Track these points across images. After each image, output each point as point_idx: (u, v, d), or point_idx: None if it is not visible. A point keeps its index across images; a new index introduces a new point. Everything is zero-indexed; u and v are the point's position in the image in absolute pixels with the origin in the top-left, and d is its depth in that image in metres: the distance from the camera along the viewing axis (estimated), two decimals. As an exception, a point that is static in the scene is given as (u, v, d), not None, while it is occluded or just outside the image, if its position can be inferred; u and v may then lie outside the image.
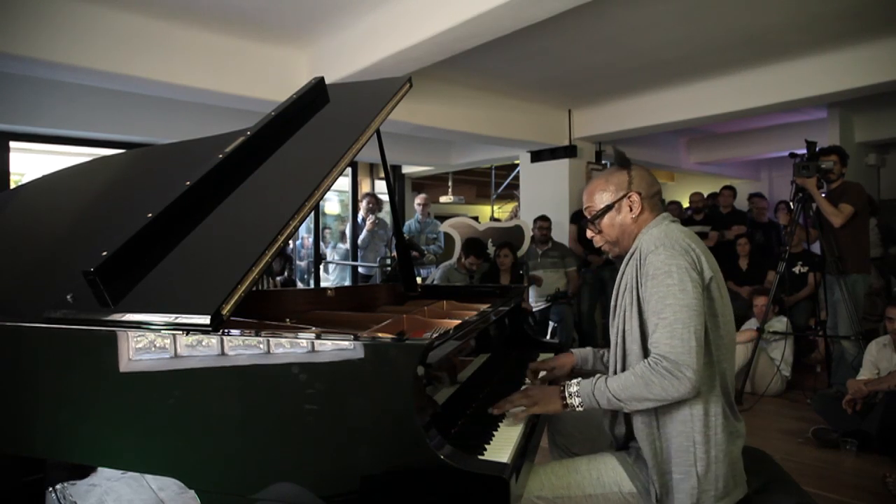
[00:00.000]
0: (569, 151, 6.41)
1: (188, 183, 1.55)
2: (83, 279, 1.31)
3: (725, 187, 6.57)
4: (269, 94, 4.14)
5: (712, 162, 8.85)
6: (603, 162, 6.68)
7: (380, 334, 1.44)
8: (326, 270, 7.06)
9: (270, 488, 1.22)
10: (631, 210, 1.59)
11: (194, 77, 3.90)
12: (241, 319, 1.65)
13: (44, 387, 1.47)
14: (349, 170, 7.41)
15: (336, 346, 1.22)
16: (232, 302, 1.29)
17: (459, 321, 1.79)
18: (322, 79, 2.13)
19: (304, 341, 1.24)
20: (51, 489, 2.55)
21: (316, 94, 2.07)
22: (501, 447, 1.38)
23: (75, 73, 3.67)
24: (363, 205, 6.59)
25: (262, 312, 1.87)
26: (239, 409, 1.27)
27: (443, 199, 9.98)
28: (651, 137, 7.13)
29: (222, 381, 1.28)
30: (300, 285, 7.20)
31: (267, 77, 4.20)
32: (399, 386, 1.19)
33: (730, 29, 4.12)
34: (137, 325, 1.33)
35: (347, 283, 6.77)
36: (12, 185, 4.49)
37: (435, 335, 1.35)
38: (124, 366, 1.34)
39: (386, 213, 6.94)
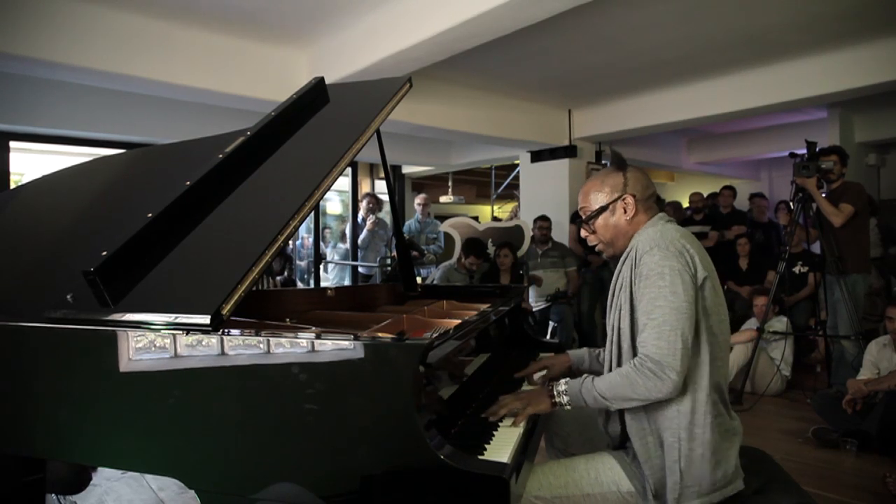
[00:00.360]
0: (569, 151, 6.41)
1: (188, 183, 1.55)
2: (83, 279, 1.31)
3: (725, 187, 6.57)
4: (269, 94, 4.13)
5: (712, 162, 8.85)
6: (603, 162, 6.68)
7: (380, 334, 1.44)
8: (326, 270, 7.07)
9: (270, 488, 1.22)
10: (625, 212, 1.61)
11: (194, 77, 3.90)
12: (242, 319, 1.65)
13: (44, 387, 1.47)
14: (349, 170, 7.41)
15: (336, 346, 1.22)
16: (232, 302, 1.29)
17: (459, 321, 1.79)
18: (322, 79, 2.13)
19: (304, 341, 1.24)
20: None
21: (316, 94, 2.07)
22: (501, 447, 1.38)
23: (75, 73, 3.67)
24: (363, 205, 6.59)
25: (262, 312, 1.87)
26: (239, 408, 1.27)
27: (443, 199, 9.98)
28: (651, 137, 7.13)
29: (222, 380, 1.28)
30: (300, 285, 7.20)
31: (267, 77, 4.20)
32: (399, 386, 1.19)
33: (730, 29, 4.12)
34: (137, 325, 1.33)
35: (347, 283, 6.77)
36: (12, 185, 4.49)
37: (435, 335, 1.34)
38: (124, 366, 1.34)
39: (386, 213, 6.94)
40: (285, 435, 1.23)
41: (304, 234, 7.71)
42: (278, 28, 3.96)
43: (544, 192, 6.62)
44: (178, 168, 1.80)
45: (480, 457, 1.30)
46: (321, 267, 7.00)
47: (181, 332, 1.29)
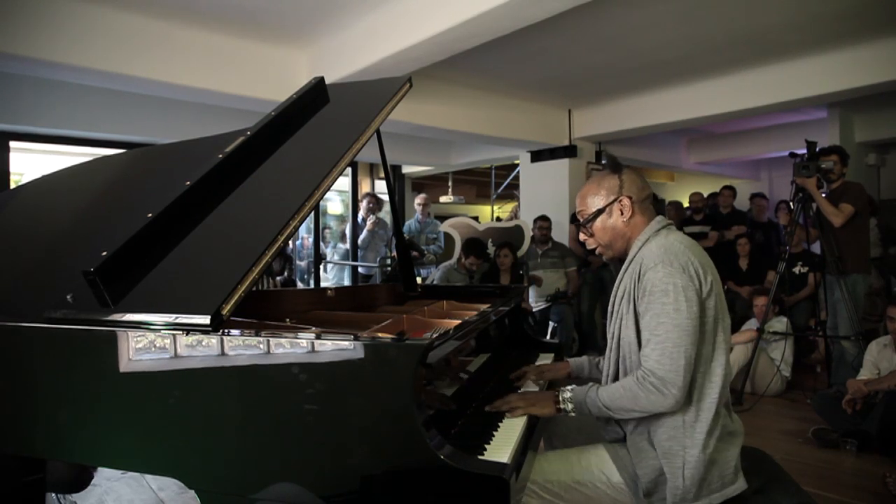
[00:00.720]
0: (569, 151, 6.41)
1: (188, 183, 1.55)
2: (83, 279, 1.31)
3: (725, 187, 6.57)
4: (269, 94, 4.14)
5: (712, 162, 8.85)
6: (603, 162, 6.68)
7: (380, 334, 1.44)
8: (326, 270, 7.07)
9: (270, 488, 1.22)
10: (622, 214, 1.62)
11: (194, 77, 3.90)
12: (241, 319, 1.65)
13: (44, 387, 1.47)
14: (349, 170, 7.41)
15: (336, 346, 1.22)
16: (232, 302, 1.29)
17: (459, 321, 1.79)
18: (322, 79, 2.13)
19: (304, 341, 1.24)
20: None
21: (316, 94, 2.07)
22: (501, 447, 1.38)
23: (75, 73, 3.67)
24: (363, 205, 6.59)
25: (262, 312, 1.87)
26: (239, 409, 1.27)
27: (443, 199, 9.98)
28: (651, 137, 7.14)
29: (222, 381, 1.28)
30: (300, 285, 7.20)
31: (267, 77, 4.20)
32: (399, 386, 1.19)
33: (730, 29, 4.12)
34: (137, 325, 1.33)
35: (346, 283, 6.77)
36: (12, 185, 4.49)
37: (435, 335, 1.35)
38: (124, 366, 1.34)
39: (386, 213, 6.94)
40: (285, 435, 1.23)
41: (304, 234, 7.71)
42: (278, 28, 3.96)
43: (544, 192, 6.63)
44: (178, 168, 1.80)
45: (480, 457, 1.30)
46: (321, 267, 7.00)
47: (181, 332, 1.29)
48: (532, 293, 5.39)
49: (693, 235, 4.74)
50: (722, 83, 5.23)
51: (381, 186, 8.58)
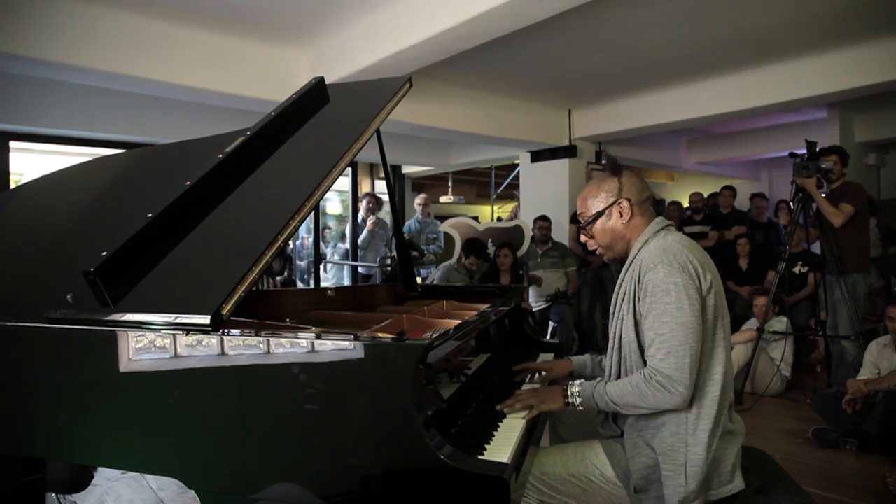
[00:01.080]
0: (569, 151, 6.41)
1: (188, 183, 1.55)
2: (83, 279, 1.31)
3: (725, 187, 6.57)
4: (269, 94, 4.14)
5: (712, 162, 8.85)
6: (603, 162, 6.68)
7: (380, 334, 1.44)
8: (326, 270, 7.07)
9: (270, 488, 1.22)
10: (621, 216, 1.64)
11: (194, 77, 3.90)
12: (242, 319, 1.65)
13: (44, 387, 1.47)
14: (349, 170, 7.41)
15: (336, 346, 1.22)
16: (232, 302, 1.29)
17: (459, 321, 1.79)
18: (322, 79, 2.13)
19: (304, 341, 1.24)
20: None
21: (316, 94, 2.07)
22: (501, 447, 1.38)
23: (75, 73, 3.67)
24: (363, 205, 6.58)
25: (262, 312, 1.87)
26: (239, 409, 1.27)
27: (443, 199, 9.98)
28: (651, 137, 7.13)
29: (222, 381, 1.28)
30: (300, 285, 7.20)
31: (267, 77, 4.20)
32: (399, 386, 1.19)
33: (730, 29, 4.12)
34: (137, 325, 1.33)
35: (346, 283, 6.77)
36: (12, 185, 4.49)
37: (435, 335, 1.35)
38: (124, 366, 1.34)
39: (386, 213, 6.94)
40: (285, 435, 1.23)
41: (304, 234, 7.71)
42: (278, 28, 3.96)
43: (544, 192, 6.63)
44: (178, 168, 1.80)
45: (480, 457, 1.30)
46: (321, 267, 7.00)
47: (181, 332, 1.29)
48: (532, 293, 5.38)
49: (693, 235, 4.75)
50: (722, 83, 5.23)
51: (381, 186, 8.58)
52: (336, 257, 7.21)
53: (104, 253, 1.34)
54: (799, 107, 5.56)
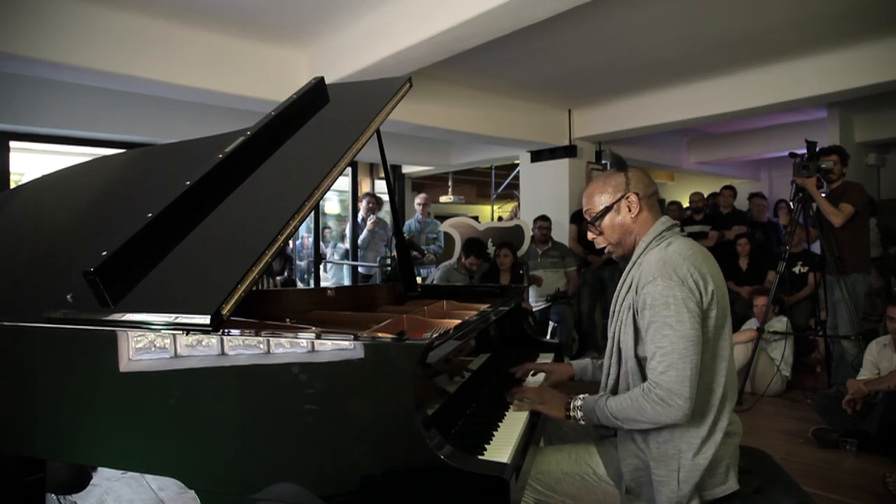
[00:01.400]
0: (569, 151, 6.41)
1: (188, 183, 1.55)
2: (83, 279, 1.31)
3: (725, 187, 6.57)
4: (269, 94, 4.13)
5: (712, 162, 8.85)
6: (603, 162, 6.68)
7: (380, 334, 1.44)
8: (326, 270, 7.07)
9: (270, 488, 1.22)
10: (630, 210, 1.62)
11: (194, 77, 3.90)
12: (242, 319, 1.65)
13: (44, 387, 1.47)
14: (349, 170, 7.41)
15: (336, 346, 1.22)
16: (232, 302, 1.29)
17: (459, 321, 1.79)
18: (322, 79, 2.13)
19: (304, 341, 1.24)
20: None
21: (316, 94, 2.07)
22: (501, 447, 1.38)
23: (75, 73, 3.66)
24: (363, 205, 6.58)
25: (262, 312, 1.87)
26: (239, 409, 1.27)
27: (443, 199, 9.98)
28: (651, 137, 7.13)
29: (222, 381, 1.28)
30: (300, 285, 7.20)
31: (267, 77, 4.20)
32: (399, 386, 1.19)
33: (730, 29, 4.12)
34: (137, 325, 1.33)
35: (346, 282, 6.77)
36: (12, 185, 4.48)
37: (435, 335, 1.34)
38: (124, 366, 1.34)
39: (386, 213, 6.94)
40: (285, 435, 1.23)
41: (304, 234, 7.71)
42: (278, 28, 3.96)
43: (544, 192, 6.62)
44: (178, 168, 1.80)
45: (480, 457, 1.30)
46: (321, 267, 7.00)
47: (181, 332, 1.29)
48: (532, 293, 5.38)
49: (693, 235, 4.72)
50: (722, 83, 5.23)
51: (381, 186, 8.58)
52: (336, 257, 7.21)
53: (104, 253, 1.34)
54: (799, 107, 5.56)
